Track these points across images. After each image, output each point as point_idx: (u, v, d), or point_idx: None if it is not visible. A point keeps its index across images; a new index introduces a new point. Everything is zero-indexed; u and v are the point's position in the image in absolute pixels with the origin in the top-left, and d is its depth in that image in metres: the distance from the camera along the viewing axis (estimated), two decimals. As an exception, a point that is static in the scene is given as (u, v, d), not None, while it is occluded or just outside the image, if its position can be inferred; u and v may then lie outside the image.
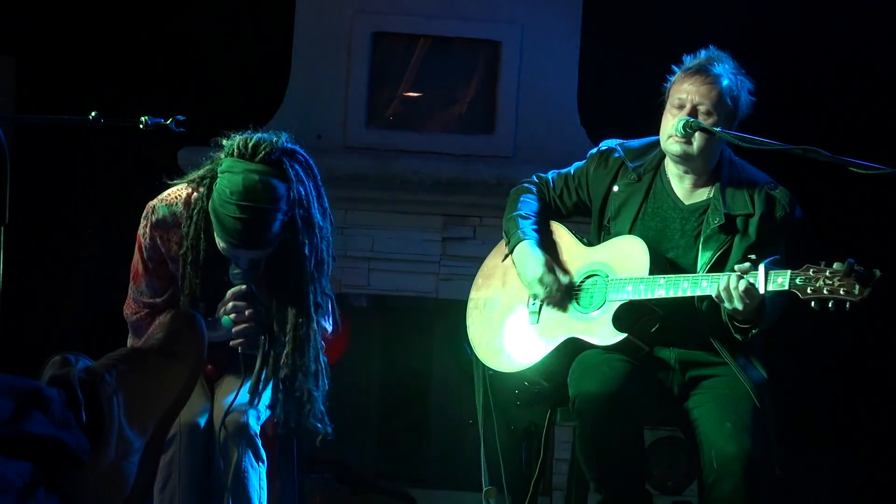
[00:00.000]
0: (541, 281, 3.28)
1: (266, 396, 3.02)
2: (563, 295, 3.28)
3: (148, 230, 3.10)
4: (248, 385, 3.04)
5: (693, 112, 3.17)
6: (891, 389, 5.03)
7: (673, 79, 3.27)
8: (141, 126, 3.08)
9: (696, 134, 3.16)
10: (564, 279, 3.29)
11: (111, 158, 3.28)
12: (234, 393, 2.99)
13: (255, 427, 2.92)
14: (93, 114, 2.92)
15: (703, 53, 3.26)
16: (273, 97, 5.10)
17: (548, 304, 3.31)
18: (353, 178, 5.02)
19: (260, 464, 2.92)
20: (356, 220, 5.04)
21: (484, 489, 3.42)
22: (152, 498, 2.91)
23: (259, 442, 2.93)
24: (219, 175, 2.97)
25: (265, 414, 3.03)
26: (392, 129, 5.25)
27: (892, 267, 2.90)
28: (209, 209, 2.99)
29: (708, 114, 3.17)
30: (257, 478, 2.93)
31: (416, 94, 5.34)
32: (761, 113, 3.34)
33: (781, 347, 3.39)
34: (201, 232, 3.02)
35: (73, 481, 2.29)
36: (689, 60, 3.27)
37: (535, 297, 3.32)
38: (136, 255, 3.14)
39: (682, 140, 3.18)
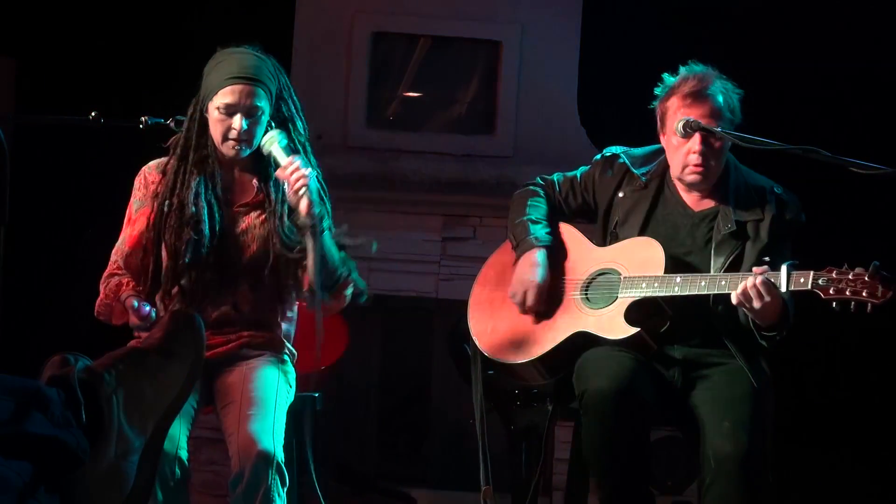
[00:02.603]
0: (525, 292, 3.30)
1: (281, 418, 3.03)
2: (537, 303, 3.32)
3: (140, 177, 3.24)
4: (270, 406, 3.05)
5: (704, 139, 3.18)
6: (892, 389, 5.03)
7: (665, 99, 3.26)
8: (141, 126, 3.09)
9: (710, 161, 3.19)
10: (542, 306, 3.31)
11: (111, 158, 3.28)
12: (258, 419, 2.99)
13: (281, 454, 2.94)
14: (93, 114, 2.92)
15: (685, 71, 3.26)
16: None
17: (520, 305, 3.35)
18: (353, 178, 5.02)
19: (284, 489, 2.94)
20: (356, 220, 5.01)
21: (482, 488, 3.42)
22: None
23: (284, 469, 2.94)
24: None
25: (281, 434, 3.03)
26: (392, 129, 5.25)
27: (893, 266, 2.91)
28: (202, 98, 3.14)
29: (714, 136, 3.18)
30: None
31: (416, 94, 5.34)
32: (762, 113, 3.34)
33: (785, 347, 3.38)
34: (177, 179, 3.16)
35: (73, 481, 2.29)
36: (673, 81, 3.26)
37: (512, 295, 3.34)
38: (127, 212, 3.26)
39: (700, 169, 3.20)
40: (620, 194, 3.35)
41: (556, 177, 3.50)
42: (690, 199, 3.31)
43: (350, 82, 5.20)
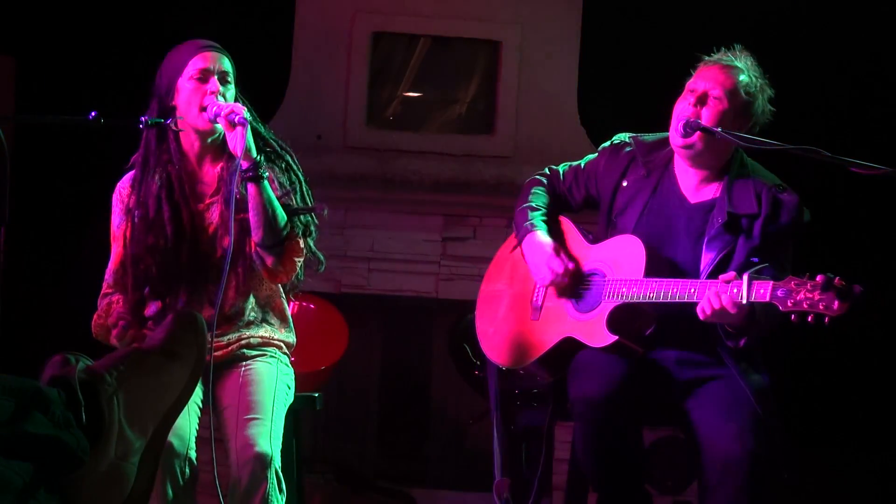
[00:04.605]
0: (548, 264, 3.25)
1: (280, 422, 3.04)
2: (571, 281, 3.25)
3: (115, 194, 3.25)
4: (268, 410, 3.04)
5: (704, 98, 3.13)
6: (892, 389, 5.03)
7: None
8: (141, 126, 3.08)
9: (704, 120, 3.11)
10: (572, 265, 3.25)
11: (111, 158, 3.28)
12: (256, 423, 2.99)
13: (278, 459, 2.94)
14: (93, 114, 2.92)
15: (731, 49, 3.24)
16: (273, 97, 5.10)
17: (556, 291, 3.28)
18: (353, 178, 5.03)
19: (281, 495, 2.95)
20: (356, 220, 5.04)
21: (496, 480, 3.40)
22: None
23: (281, 474, 2.95)
24: None
25: (279, 438, 3.04)
26: (392, 129, 5.26)
27: (893, 265, 2.89)
28: (165, 90, 3.18)
29: (719, 100, 3.12)
30: None
31: (416, 94, 5.34)
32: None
33: (782, 347, 3.38)
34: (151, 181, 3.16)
35: (73, 482, 2.29)
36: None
37: (542, 281, 3.30)
38: (111, 232, 3.25)
39: (691, 110, 3.13)
40: (624, 183, 3.29)
41: (561, 167, 3.47)
42: (690, 189, 3.24)
43: (350, 82, 5.21)
